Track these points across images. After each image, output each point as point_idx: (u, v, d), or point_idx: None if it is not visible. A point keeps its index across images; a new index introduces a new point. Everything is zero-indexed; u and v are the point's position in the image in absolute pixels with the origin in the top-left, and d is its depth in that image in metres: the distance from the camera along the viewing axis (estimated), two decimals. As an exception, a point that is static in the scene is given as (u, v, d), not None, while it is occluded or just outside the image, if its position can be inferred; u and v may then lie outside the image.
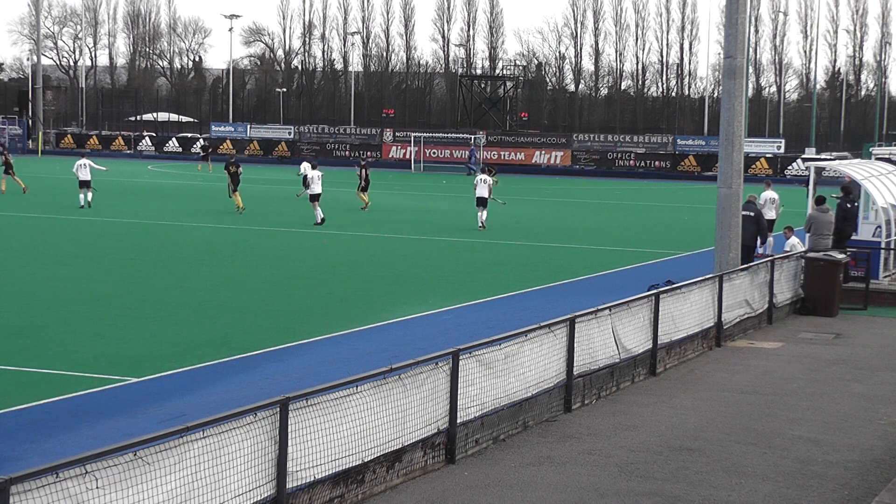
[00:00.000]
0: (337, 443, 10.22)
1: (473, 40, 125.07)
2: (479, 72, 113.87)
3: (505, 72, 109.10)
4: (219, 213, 40.62)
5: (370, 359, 16.03)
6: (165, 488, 8.45)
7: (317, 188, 37.95)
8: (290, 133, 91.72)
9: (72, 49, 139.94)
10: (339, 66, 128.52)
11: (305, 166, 46.11)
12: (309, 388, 10.13)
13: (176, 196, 48.08)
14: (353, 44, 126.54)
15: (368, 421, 10.63)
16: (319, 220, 37.06)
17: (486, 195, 37.39)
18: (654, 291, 17.22)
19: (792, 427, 13.75)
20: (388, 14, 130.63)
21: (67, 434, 12.56)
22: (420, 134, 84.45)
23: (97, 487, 7.88)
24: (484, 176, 38.36)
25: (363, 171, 44.12)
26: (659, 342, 16.74)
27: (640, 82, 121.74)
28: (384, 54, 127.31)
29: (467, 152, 74.67)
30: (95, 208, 41.15)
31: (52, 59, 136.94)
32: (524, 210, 46.92)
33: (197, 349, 17.31)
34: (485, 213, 37.53)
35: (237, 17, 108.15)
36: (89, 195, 41.77)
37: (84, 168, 42.08)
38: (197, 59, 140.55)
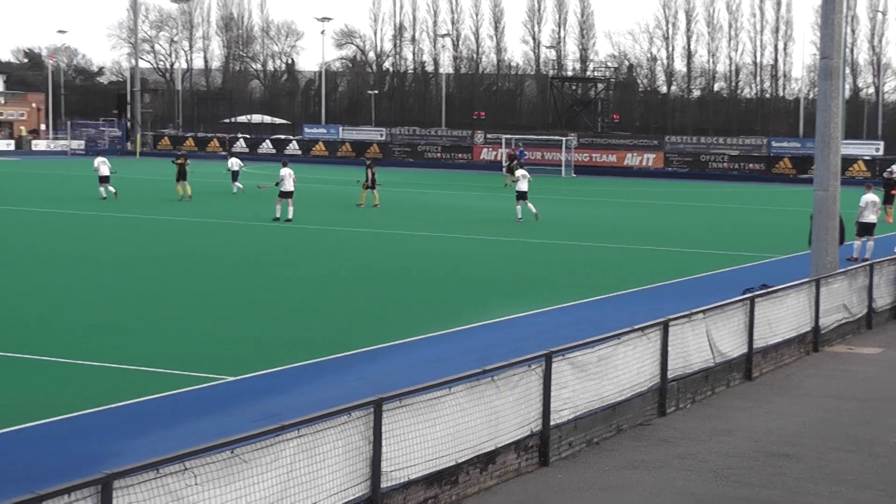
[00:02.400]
0: (430, 444, 10.24)
1: (564, 42, 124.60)
2: (569, 73, 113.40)
3: (596, 73, 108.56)
4: (305, 213, 40.94)
5: (463, 360, 16.03)
6: (262, 486, 8.53)
7: (289, 186, 38.43)
8: (381, 135, 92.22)
9: (168, 52, 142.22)
10: (429, 68, 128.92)
11: (234, 162, 51.23)
12: (402, 388, 10.16)
13: (264, 196, 48.48)
14: (443, 46, 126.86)
15: (461, 422, 10.63)
16: (278, 216, 37.98)
17: (526, 189, 39.30)
18: (750, 295, 17.00)
19: (893, 434, 13.48)
20: (477, 16, 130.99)
21: (165, 431, 12.74)
22: (511, 136, 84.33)
23: (196, 484, 7.99)
24: (524, 171, 40.41)
25: (369, 170, 45.13)
26: (755, 346, 16.52)
27: (733, 84, 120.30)
28: (474, 56, 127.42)
29: (516, 152, 74.40)
30: (193, 207, 41.69)
31: (149, 62, 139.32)
32: (616, 212, 46.63)
33: (291, 349, 17.46)
34: (523, 206, 39.22)
35: (329, 19, 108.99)
36: (111, 189, 44.97)
37: (104, 165, 45.25)
38: (289, 61, 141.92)
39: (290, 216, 37.95)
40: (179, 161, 47.16)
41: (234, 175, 50.36)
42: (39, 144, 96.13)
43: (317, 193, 51.14)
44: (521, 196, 39.37)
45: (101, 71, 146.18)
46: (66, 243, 31.24)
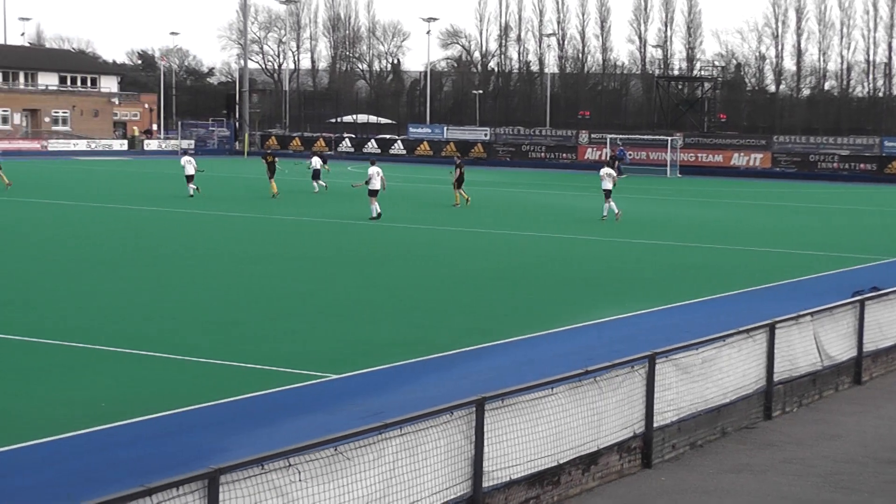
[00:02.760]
0: (532, 444, 10.24)
1: (671, 41, 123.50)
2: (676, 73, 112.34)
3: (703, 73, 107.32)
4: (410, 213, 41.14)
5: (565, 360, 15.98)
6: (364, 483, 8.61)
7: (375, 185, 38.69)
8: (485, 135, 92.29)
9: (276, 53, 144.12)
10: (534, 67, 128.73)
11: (316, 161, 52.02)
12: (504, 388, 10.17)
13: (354, 195, 48.83)
14: (548, 45, 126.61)
15: (563, 423, 10.61)
16: (375, 215, 38.16)
17: (611, 188, 39.93)
18: (860, 297, 16.68)
19: None
20: (583, 15, 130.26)
21: (270, 428, 12.92)
22: (616, 135, 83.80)
23: (300, 480, 8.09)
24: (608, 170, 40.89)
25: (458, 169, 45.07)
26: (864, 350, 16.21)
27: (844, 82, 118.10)
28: (580, 55, 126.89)
29: (616, 152, 73.70)
30: (290, 206, 42.17)
31: (257, 63, 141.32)
32: (722, 213, 46.06)
33: (393, 347, 17.57)
34: (610, 204, 39.86)
35: (434, 19, 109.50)
36: (192, 187, 46.63)
37: (190, 164, 47.07)
38: (395, 61, 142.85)
39: (374, 215, 38.27)
40: (269, 159, 48.82)
41: (316, 174, 51.00)
42: (151, 144, 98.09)
43: (419, 193, 51.36)
44: (607, 195, 40.08)
45: (211, 72, 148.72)
46: (173, 240, 31.80)
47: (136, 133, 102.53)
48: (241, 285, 23.80)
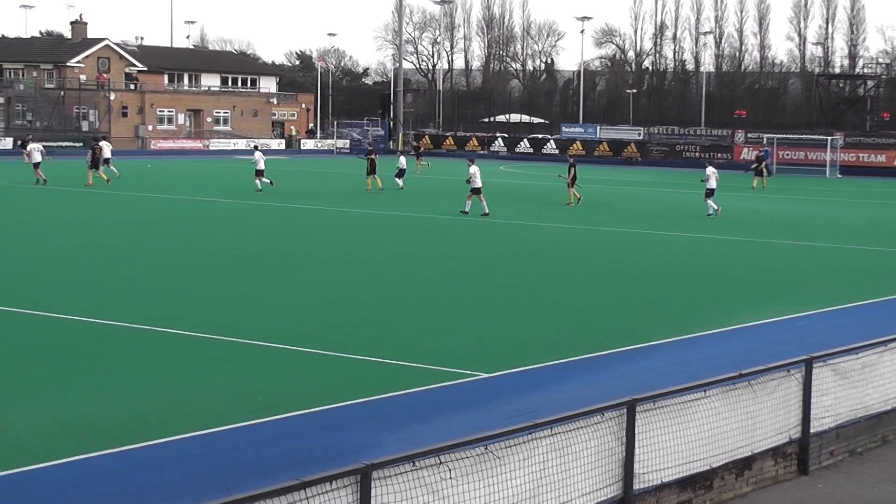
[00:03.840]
0: (684, 447, 10.12)
1: (832, 38, 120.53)
2: (836, 70, 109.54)
3: (866, 70, 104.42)
4: (553, 212, 41.01)
5: (718, 363, 15.75)
6: (514, 483, 8.63)
7: (477, 183, 39.41)
8: (639, 134, 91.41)
9: (430, 53, 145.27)
10: (689, 66, 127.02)
11: (402, 161, 52.70)
12: (656, 390, 10.08)
13: (521, 195, 48.91)
14: (704, 44, 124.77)
15: (716, 426, 10.47)
16: (486, 212, 38.94)
17: (715, 186, 40.58)
18: None
19: None
20: (741, 13, 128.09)
21: (422, 425, 13.04)
22: (773, 135, 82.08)
23: (450, 478, 8.15)
24: (713, 168, 41.40)
25: (572, 168, 45.16)
26: None
27: None
28: (737, 54, 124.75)
29: (760, 151, 71.85)
30: (437, 206, 42.46)
31: (412, 63, 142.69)
32: (884, 214, 44.76)
33: (543, 347, 17.55)
34: (709, 202, 40.44)
35: (589, 18, 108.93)
36: (266, 181, 47.69)
37: (262, 161, 48.51)
38: (549, 61, 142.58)
39: (486, 211, 39.08)
40: (371, 157, 50.29)
41: (400, 172, 51.63)
42: (308, 143, 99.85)
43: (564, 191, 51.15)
44: (709, 193, 40.61)
45: (366, 72, 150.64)
46: (327, 238, 32.29)
47: (294, 133, 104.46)
48: (390, 283, 24.04)
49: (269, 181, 47.84)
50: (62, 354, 16.32)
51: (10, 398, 13.72)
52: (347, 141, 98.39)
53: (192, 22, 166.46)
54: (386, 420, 13.31)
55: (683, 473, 10.12)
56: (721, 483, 10.57)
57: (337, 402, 13.88)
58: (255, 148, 54.67)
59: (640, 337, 18.42)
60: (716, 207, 40.45)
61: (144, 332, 17.81)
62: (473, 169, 39.64)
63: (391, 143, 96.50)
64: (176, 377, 15.05)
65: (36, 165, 49.48)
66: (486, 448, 8.44)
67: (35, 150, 50.74)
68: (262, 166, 48.34)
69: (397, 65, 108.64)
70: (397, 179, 51.10)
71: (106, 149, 52.62)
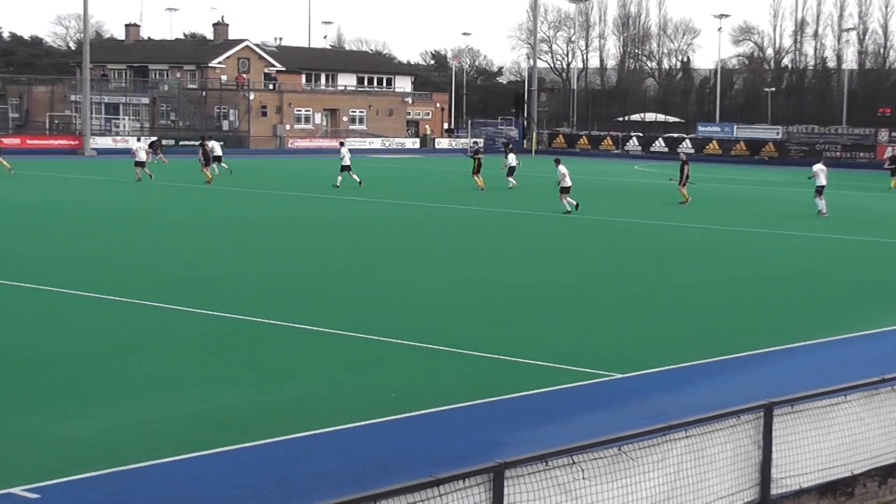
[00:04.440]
0: (824, 452, 9.90)
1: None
2: None
3: None
4: (689, 213, 40.47)
5: (857, 367, 15.36)
6: (648, 484, 8.55)
7: (566, 182, 39.41)
8: (777, 133, 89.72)
9: (565, 52, 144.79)
10: (830, 63, 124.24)
11: (512, 158, 52.14)
12: (793, 393, 9.88)
13: (654, 195, 48.36)
14: (847, 40, 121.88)
15: (857, 432, 10.22)
16: (568, 209, 39.15)
17: (824, 183, 40.13)
18: None
19: None
20: (886, 8, 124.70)
21: (554, 424, 13.00)
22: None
23: (583, 478, 8.11)
24: (822, 166, 40.89)
25: (685, 166, 44.59)
26: None
27: None
28: (881, 51, 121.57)
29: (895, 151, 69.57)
30: (531, 203, 42.32)
31: (546, 62, 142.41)
32: None
33: (677, 348, 17.35)
34: (820, 200, 39.97)
35: (727, 16, 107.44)
36: (351, 177, 48.70)
37: (348, 156, 49.48)
38: (685, 59, 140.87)
39: (567, 209, 39.16)
40: (477, 156, 51.07)
41: (511, 170, 51.53)
42: (442, 142, 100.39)
43: (707, 192, 50.51)
44: (819, 191, 40.26)
45: (500, 71, 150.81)
46: (457, 236, 32.39)
47: (429, 132, 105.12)
48: (527, 282, 24.01)
49: (357, 179, 48.52)
50: (202, 349, 16.67)
51: (151, 391, 14.08)
52: (482, 140, 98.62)
53: (330, 22, 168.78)
54: (518, 419, 13.31)
55: (823, 479, 9.90)
56: (863, 490, 10.31)
57: (469, 401, 13.92)
58: (342, 144, 55.33)
59: (774, 339, 18.08)
60: (821, 208, 39.72)
61: (281, 329, 18.10)
62: (562, 169, 39.76)
63: (525, 142, 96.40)
64: (311, 374, 15.27)
65: (140, 164, 50.85)
66: (619, 449, 8.38)
67: (140, 149, 52.22)
68: (347, 162, 49.08)
69: (531, 64, 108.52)
70: (509, 178, 51.08)
71: (216, 147, 53.94)
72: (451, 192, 49.01)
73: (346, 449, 12.05)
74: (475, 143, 67.49)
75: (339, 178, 48.73)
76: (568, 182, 39.55)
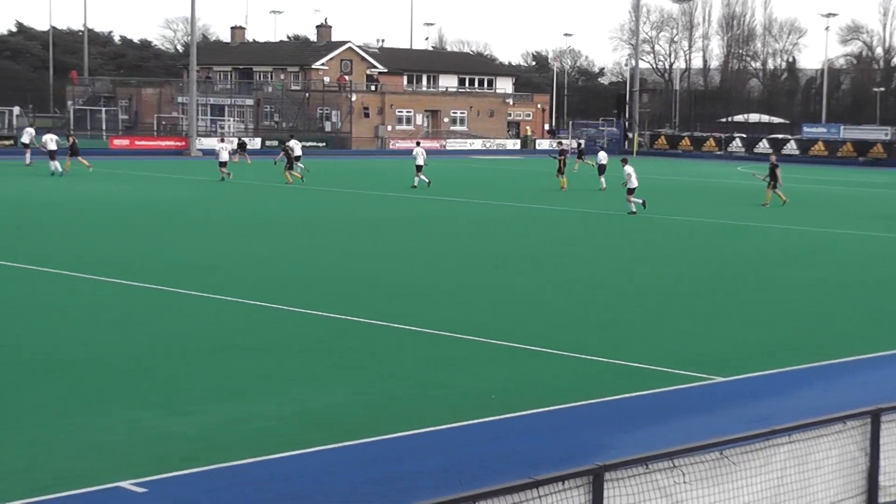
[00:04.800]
0: (933, 460, 9.69)
1: None
2: None
3: None
4: (793, 215, 39.86)
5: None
6: (750, 490, 8.45)
7: (633, 183, 39.39)
8: (886, 134, 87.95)
9: (667, 52, 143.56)
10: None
11: (602, 156, 52.86)
12: (902, 400, 9.70)
13: (754, 197, 47.68)
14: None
15: (970, 440, 9.98)
16: (634, 210, 39.16)
17: None
18: None
19: None
20: None
21: (655, 427, 12.92)
22: None
23: (684, 482, 8.05)
24: None
25: (776, 169, 44.10)
26: None
27: None
28: None
29: None
30: (679, 205, 41.88)
31: (648, 62, 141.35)
32: None
33: (780, 351, 17.13)
34: None
35: (834, 15, 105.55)
36: (423, 178, 48.97)
37: (422, 155, 49.73)
38: (790, 59, 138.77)
39: (633, 209, 39.20)
40: (562, 157, 51.76)
41: (601, 168, 51.83)
42: (542, 143, 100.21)
43: (812, 194, 49.73)
44: None
45: (601, 72, 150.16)
46: (555, 238, 32.32)
47: (529, 133, 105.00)
48: (625, 284, 23.87)
49: (426, 180, 48.83)
50: (308, 348, 16.88)
51: (258, 389, 14.29)
52: (583, 141, 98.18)
53: (431, 24, 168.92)
54: (618, 421, 13.26)
55: (931, 488, 9.69)
56: (972, 500, 10.08)
57: (569, 402, 13.91)
58: (417, 144, 55.85)
59: (882, 344, 17.74)
60: None
61: (382, 328, 18.25)
62: (628, 169, 39.67)
63: (626, 143, 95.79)
64: (412, 373, 15.37)
65: (223, 164, 51.76)
66: (721, 453, 8.30)
67: (223, 149, 53.10)
68: (420, 162, 49.44)
69: (633, 64, 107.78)
70: (601, 178, 50.91)
71: (297, 147, 54.69)
72: (542, 192, 48.86)
73: (446, 449, 12.12)
74: (559, 143, 67.32)
75: (417, 178, 49.22)
76: (634, 183, 39.44)
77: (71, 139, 55.70)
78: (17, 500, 10.12)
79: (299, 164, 53.66)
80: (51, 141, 52.91)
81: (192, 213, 37.27)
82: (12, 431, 12.18)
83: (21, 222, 32.80)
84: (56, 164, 51.33)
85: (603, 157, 52.03)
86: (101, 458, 11.36)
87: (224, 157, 52.32)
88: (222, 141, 57.23)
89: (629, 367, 15.96)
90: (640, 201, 39.37)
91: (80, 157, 53.73)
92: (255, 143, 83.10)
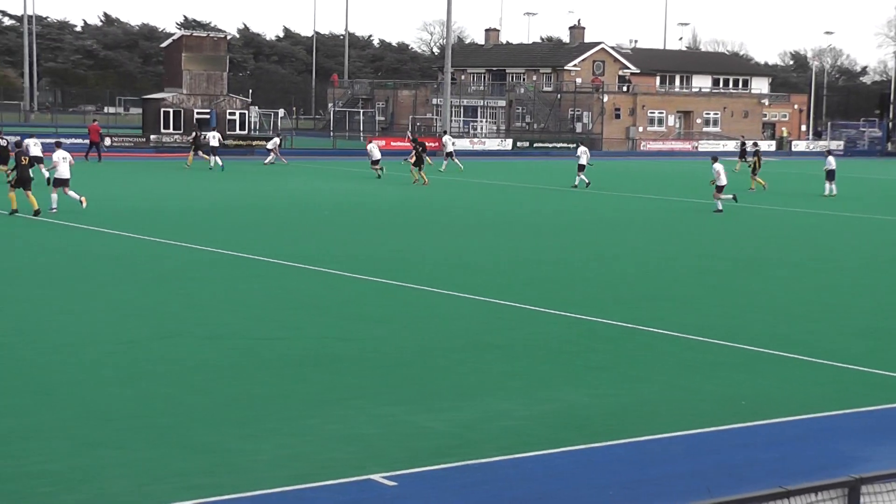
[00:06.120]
0: None
1: None
2: None
3: None
4: None
5: None
6: None
7: (722, 181, 38.51)
8: None
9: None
10: None
11: (716, 166, 46.75)
12: None
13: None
14: None
15: None
16: (721, 207, 38.37)
17: None
18: None
19: None
20: None
21: (915, 441, 12.44)
22: None
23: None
24: None
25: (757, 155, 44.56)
26: None
27: None
28: None
29: None
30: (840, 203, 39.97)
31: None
32: None
33: None
34: None
35: None
36: (584, 178, 48.59)
37: (585, 155, 49.19)
38: None
39: (719, 207, 38.62)
40: (758, 158, 51.49)
41: (830, 174, 49.04)
42: (799, 145, 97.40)
43: None
44: None
45: (864, 71, 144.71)
46: (807, 243, 31.36)
47: (786, 134, 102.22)
48: (883, 289, 22.98)
49: (586, 181, 48.27)
50: (555, 349, 16.95)
51: (506, 388, 14.48)
52: (842, 142, 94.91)
53: (686, 24, 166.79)
54: (877, 433, 12.83)
55: None
56: None
57: (824, 412, 13.54)
58: (579, 144, 55.22)
59: None
60: None
61: (632, 331, 18.17)
62: (717, 167, 38.94)
63: (889, 144, 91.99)
64: (660, 376, 15.25)
65: (374, 163, 52.40)
66: None
67: (374, 147, 53.78)
68: (583, 162, 48.86)
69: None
70: (828, 184, 48.99)
71: (448, 143, 54.82)
72: (800, 197, 47.46)
73: (695, 454, 12.01)
74: (755, 143, 65.06)
75: (578, 178, 48.80)
76: (723, 180, 38.79)
77: (195, 134, 57.45)
78: (280, 486, 10.60)
79: (454, 160, 54.93)
80: (213, 139, 55.75)
81: (450, 213, 37.83)
82: (283, 421, 12.71)
83: (311, 221, 33.90)
84: (216, 160, 53.68)
85: (831, 161, 49.90)
86: (356, 450, 11.74)
87: (375, 155, 52.99)
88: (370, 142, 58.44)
89: (889, 378, 15.38)
90: (731, 196, 39.22)
91: (201, 153, 55.50)
92: (506, 145, 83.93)
